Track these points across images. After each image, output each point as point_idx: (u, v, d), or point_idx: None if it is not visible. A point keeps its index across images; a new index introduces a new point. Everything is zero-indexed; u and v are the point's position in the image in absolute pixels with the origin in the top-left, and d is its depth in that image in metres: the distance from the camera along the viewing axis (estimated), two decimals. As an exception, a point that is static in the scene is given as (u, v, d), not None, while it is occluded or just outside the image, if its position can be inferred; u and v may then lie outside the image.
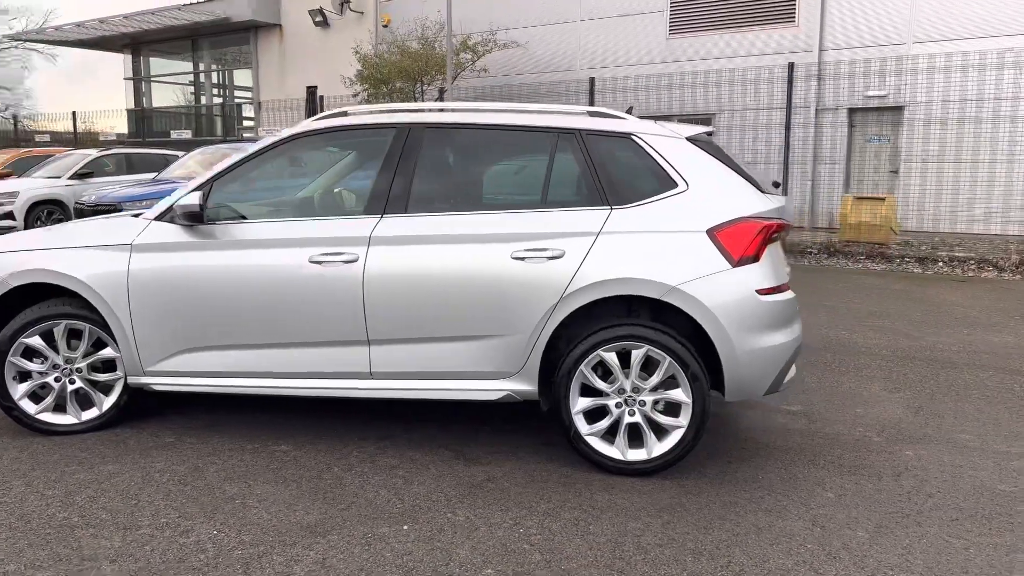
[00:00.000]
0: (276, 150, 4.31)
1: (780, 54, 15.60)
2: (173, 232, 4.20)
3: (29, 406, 4.34)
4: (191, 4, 23.46)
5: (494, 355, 3.96)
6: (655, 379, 3.85)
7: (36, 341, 4.29)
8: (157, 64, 27.32)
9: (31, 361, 4.33)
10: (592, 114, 4.21)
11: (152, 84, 27.32)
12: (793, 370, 4.17)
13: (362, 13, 21.61)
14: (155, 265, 4.17)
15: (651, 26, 17.05)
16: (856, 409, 5.02)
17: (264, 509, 3.48)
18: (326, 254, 4.02)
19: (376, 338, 4.03)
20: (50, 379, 4.35)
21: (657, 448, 3.88)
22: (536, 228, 3.93)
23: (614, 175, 3.98)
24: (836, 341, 6.85)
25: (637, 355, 3.83)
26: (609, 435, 3.94)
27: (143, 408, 4.65)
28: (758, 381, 3.83)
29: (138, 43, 26.47)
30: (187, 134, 24.76)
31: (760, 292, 3.77)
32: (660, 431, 3.90)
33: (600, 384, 3.90)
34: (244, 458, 4.06)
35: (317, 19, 22.43)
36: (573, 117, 4.14)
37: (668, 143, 4.00)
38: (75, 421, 4.38)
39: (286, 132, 4.36)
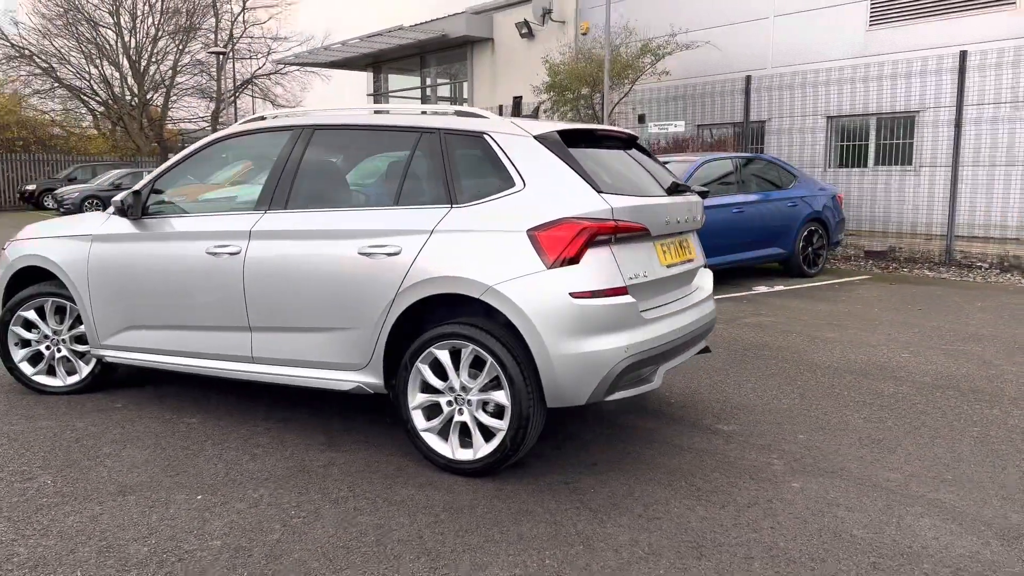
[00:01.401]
0: (201, 153, 4.80)
1: (994, 41, 13.62)
2: (124, 225, 4.83)
3: (27, 368, 5.21)
4: (420, 24, 25.43)
5: (346, 347, 4.11)
6: (481, 379, 3.78)
7: (31, 315, 5.16)
8: (395, 80, 29.89)
9: (28, 331, 5.20)
10: (458, 113, 4.21)
11: (390, 99, 29.90)
12: (656, 380, 3.87)
13: (563, 23, 22.07)
14: (106, 253, 4.84)
15: (849, 17, 15.68)
16: (799, 435, 4.47)
17: (108, 468, 3.94)
18: (218, 246, 4.42)
19: (255, 325, 4.36)
20: (42, 347, 5.19)
21: (483, 450, 3.80)
22: (382, 225, 4.03)
23: (463, 174, 3.97)
24: (871, 364, 6.03)
25: (466, 354, 3.79)
26: (445, 432, 3.92)
27: (157, 381, 5.40)
28: (576, 388, 3.62)
29: (379, 62, 29.15)
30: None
31: (575, 295, 3.57)
32: (488, 433, 3.82)
33: (434, 381, 3.90)
34: (151, 426, 4.58)
35: (523, 31, 23.27)
36: (439, 117, 4.18)
37: (514, 141, 3.90)
38: (60, 384, 5.19)
39: (209, 137, 4.84)
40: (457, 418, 3.86)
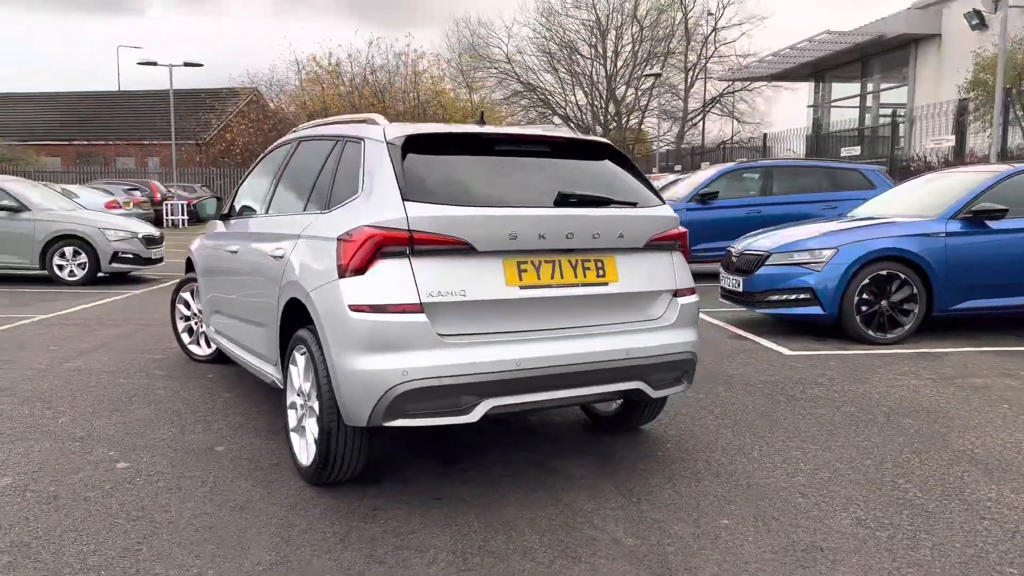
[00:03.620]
0: (262, 161, 5.41)
1: None
2: (220, 226, 5.73)
3: (186, 337, 6.47)
4: (857, 29, 23.29)
5: (266, 342, 4.36)
6: (311, 387, 3.70)
7: (187, 296, 6.39)
8: (837, 89, 27.70)
9: (187, 309, 6.45)
10: (364, 121, 4.08)
11: (831, 108, 27.82)
12: (475, 413, 3.31)
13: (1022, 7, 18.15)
14: (205, 249, 5.79)
15: None
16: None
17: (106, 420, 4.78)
18: (236, 247, 5.01)
19: (242, 318, 4.86)
20: (192, 323, 6.40)
21: (311, 459, 3.71)
22: (283, 229, 4.19)
23: (340, 180, 3.91)
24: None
25: (304, 360, 3.75)
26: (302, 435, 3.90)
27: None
28: (356, 407, 3.30)
29: (819, 71, 27.33)
30: (855, 151, 24.48)
31: (354, 308, 3.29)
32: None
33: (295, 383, 3.91)
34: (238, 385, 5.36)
35: (973, 22, 19.76)
36: (351, 126, 4.11)
37: (372, 148, 3.71)
38: (203, 353, 6.33)
39: (269, 148, 5.42)
40: (304, 421, 3.82)
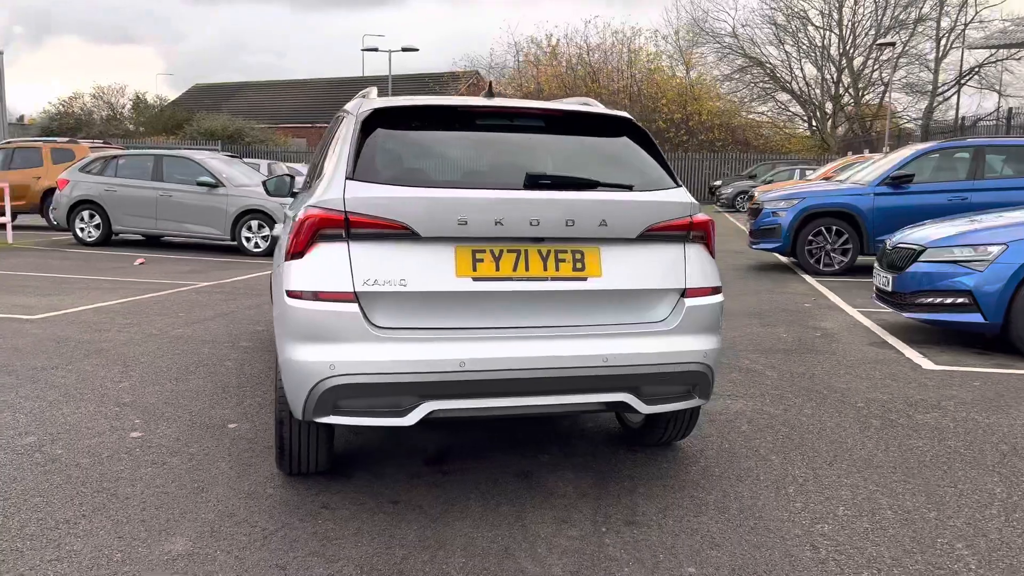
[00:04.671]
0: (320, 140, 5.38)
1: None
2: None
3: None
4: None
5: None
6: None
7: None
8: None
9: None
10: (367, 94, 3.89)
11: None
12: (411, 417, 3.00)
13: None
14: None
15: None
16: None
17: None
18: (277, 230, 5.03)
19: None
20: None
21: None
22: (290, 211, 4.12)
23: (327, 157, 3.73)
24: None
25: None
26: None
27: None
28: (293, 399, 3.11)
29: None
30: None
31: (290, 294, 3.11)
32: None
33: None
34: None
35: None
36: (356, 100, 3.92)
37: (347, 123, 3.51)
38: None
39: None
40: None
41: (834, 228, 10.77)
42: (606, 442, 4.08)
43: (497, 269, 3.08)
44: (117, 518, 3.15)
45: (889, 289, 6.54)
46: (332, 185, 3.12)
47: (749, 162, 35.29)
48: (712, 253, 3.46)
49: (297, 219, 3.16)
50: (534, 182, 3.14)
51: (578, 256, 3.17)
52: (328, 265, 3.03)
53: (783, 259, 12.37)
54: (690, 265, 3.33)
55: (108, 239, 13.25)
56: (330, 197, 3.07)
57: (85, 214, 13.25)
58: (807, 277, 10.57)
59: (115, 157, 13.65)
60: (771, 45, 41.29)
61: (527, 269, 3.11)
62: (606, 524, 3.15)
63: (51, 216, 13.84)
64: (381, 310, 3.03)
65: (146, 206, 12.90)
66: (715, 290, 3.40)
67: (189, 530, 3.06)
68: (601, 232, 3.17)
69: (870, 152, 23.49)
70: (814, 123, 42.13)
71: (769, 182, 25.83)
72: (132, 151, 14.83)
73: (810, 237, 10.84)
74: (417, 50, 29.75)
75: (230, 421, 4.32)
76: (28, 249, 12.78)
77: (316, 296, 3.02)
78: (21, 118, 51.85)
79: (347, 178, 3.11)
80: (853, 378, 5.36)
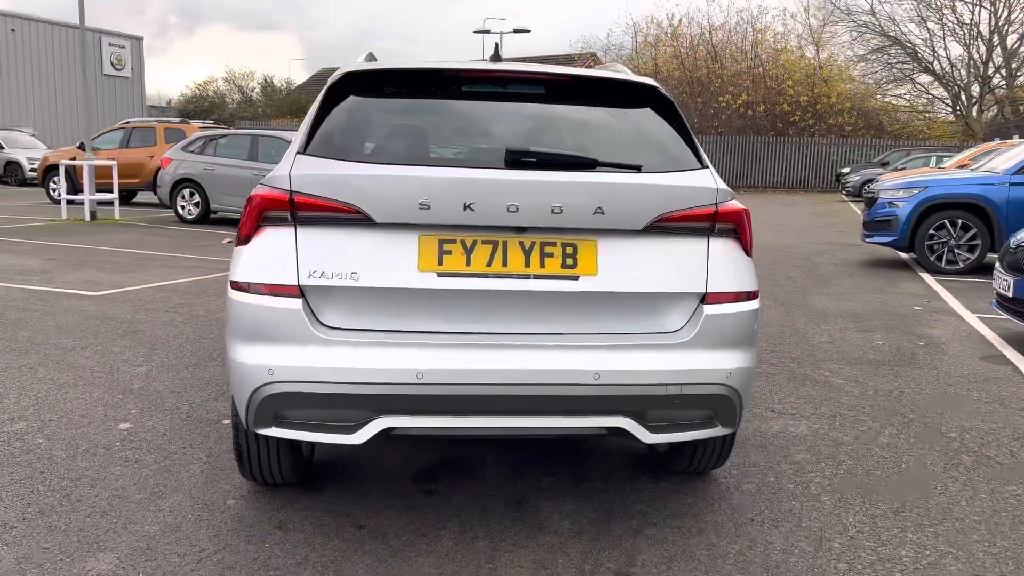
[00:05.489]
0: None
1: None
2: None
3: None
4: None
5: None
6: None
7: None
8: None
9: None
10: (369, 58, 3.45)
11: None
12: (360, 435, 2.57)
13: None
14: None
15: None
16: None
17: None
18: None
19: None
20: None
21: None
22: None
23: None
24: None
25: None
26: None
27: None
28: (238, 406, 2.73)
29: None
30: None
31: (234, 285, 2.73)
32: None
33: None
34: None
35: None
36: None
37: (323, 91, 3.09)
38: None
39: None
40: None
41: (960, 221, 9.58)
42: (626, 465, 3.52)
43: (468, 263, 2.59)
44: (57, 525, 2.88)
45: (1009, 294, 5.59)
46: (284, 161, 2.72)
47: (882, 148, 32.94)
48: (747, 250, 2.84)
49: (250, 199, 2.76)
50: (515, 160, 2.62)
51: (569, 250, 2.63)
52: (272, 254, 2.62)
53: (903, 255, 11.20)
54: (714, 264, 2.72)
55: (207, 217, 13.51)
56: (277, 174, 2.66)
57: (186, 192, 13.56)
58: (926, 276, 9.46)
59: (215, 137, 13.89)
60: (912, 23, 38.35)
61: (505, 264, 2.60)
62: (594, 574, 2.61)
63: (156, 194, 14.28)
64: (331, 308, 2.60)
65: (240, 185, 13.01)
66: (747, 295, 2.78)
67: (123, 545, 2.74)
68: (598, 222, 2.61)
69: (1020, 138, 21.25)
70: (958, 107, 38.92)
71: (900, 169, 23.91)
72: (231, 131, 15.08)
73: (931, 231, 9.69)
74: (528, 31, 29.30)
75: (227, 416, 4.02)
76: (132, 225, 13.19)
77: (258, 289, 2.62)
78: (169, 102, 55.01)
79: (298, 152, 2.69)
80: (950, 400, 4.53)
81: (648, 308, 2.69)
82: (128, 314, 6.23)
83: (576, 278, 2.62)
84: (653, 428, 2.66)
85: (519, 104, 2.91)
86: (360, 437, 2.57)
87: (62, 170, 13.99)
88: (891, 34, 38.87)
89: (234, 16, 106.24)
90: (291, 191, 2.59)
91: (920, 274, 9.64)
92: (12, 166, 24.23)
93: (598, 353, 2.61)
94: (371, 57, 3.28)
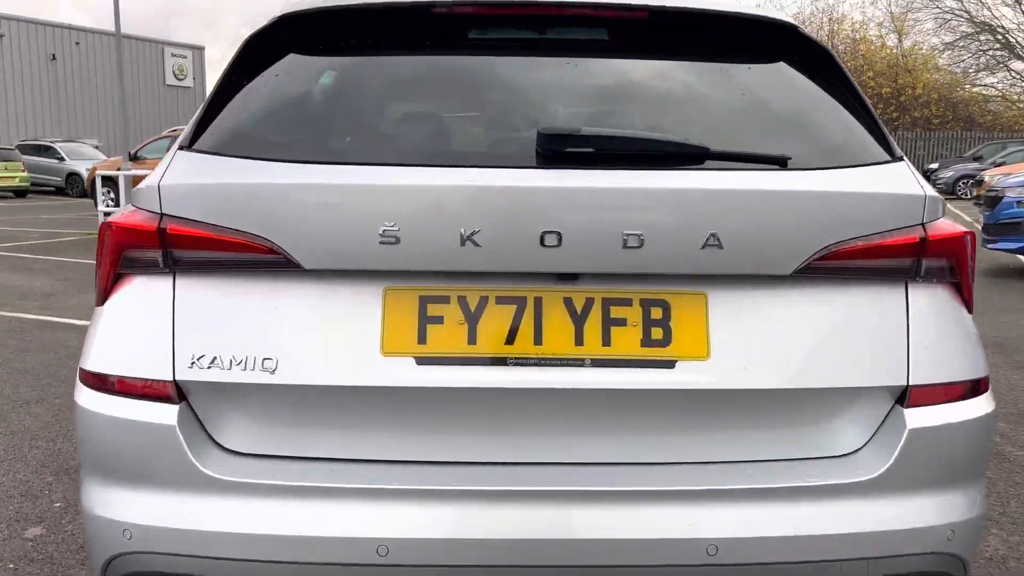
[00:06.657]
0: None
1: None
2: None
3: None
4: None
5: None
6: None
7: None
8: None
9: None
10: None
11: None
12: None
13: None
14: None
15: None
16: None
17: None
18: None
19: None
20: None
21: None
22: None
23: None
24: None
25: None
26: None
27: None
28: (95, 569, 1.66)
29: None
30: None
31: (83, 378, 1.62)
32: None
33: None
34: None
35: None
36: None
37: None
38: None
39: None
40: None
41: (1110, 224, 8.01)
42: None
43: (472, 340, 1.43)
44: None
45: None
46: (160, 163, 1.59)
47: (973, 142, 30.65)
48: (968, 304, 1.60)
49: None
50: (555, 152, 1.43)
51: (656, 313, 1.45)
52: (133, 326, 1.50)
53: (1029, 262, 9.61)
54: (918, 333, 1.51)
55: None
56: (144, 186, 1.54)
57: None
58: (1067, 289, 7.91)
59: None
60: (1006, 6, 35.72)
61: (539, 342, 1.43)
62: None
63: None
64: (232, 420, 1.49)
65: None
66: (974, 387, 1.55)
67: None
68: (709, 261, 1.42)
69: None
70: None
71: (999, 164, 21.83)
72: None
73: (1072, 236, 8.15)
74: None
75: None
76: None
77: (111, 386, 1.50)
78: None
79: (180, 147, 1.56)
80: None
81: (800, 416, 1.49)
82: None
83: (671, 364, 1.43)
84: (810, 634, 1.46)
85: (562, 60, 1.72)
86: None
87: (98, 181, 13.39)
88: (980, 20, 36.27)
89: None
90: (161, 214, 1.47)
91: (1060, 287, 8.09)
92: (73, 177, 24.23)
93: (711, 507, 1.41)
94: None
